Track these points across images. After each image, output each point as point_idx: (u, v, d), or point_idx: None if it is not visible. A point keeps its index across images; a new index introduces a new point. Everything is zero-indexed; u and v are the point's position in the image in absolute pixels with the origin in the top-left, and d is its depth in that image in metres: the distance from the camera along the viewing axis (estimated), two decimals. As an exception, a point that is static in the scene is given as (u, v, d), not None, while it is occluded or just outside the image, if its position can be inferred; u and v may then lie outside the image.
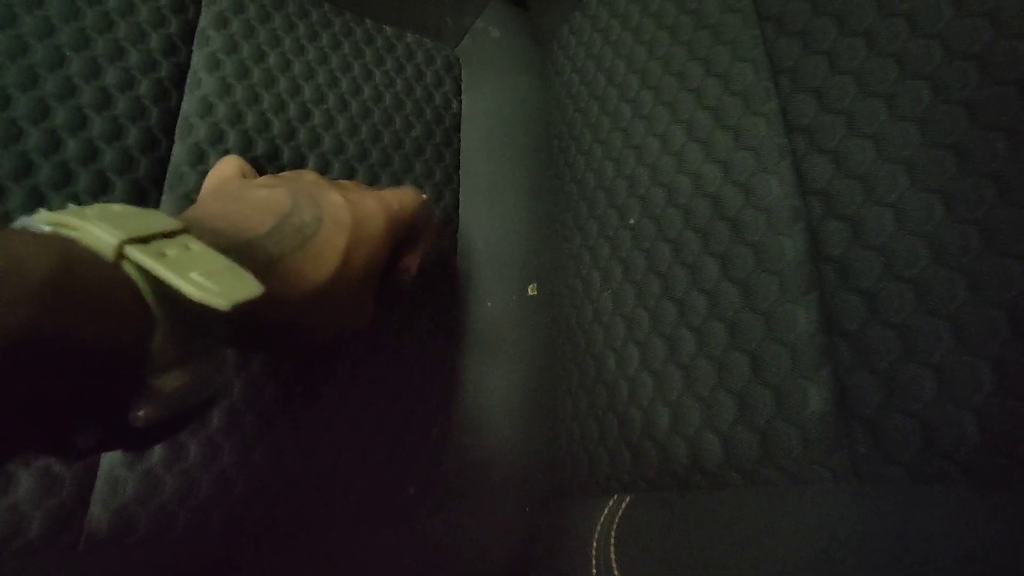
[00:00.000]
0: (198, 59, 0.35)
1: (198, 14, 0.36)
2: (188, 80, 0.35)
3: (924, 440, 0.20)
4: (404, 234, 0.30)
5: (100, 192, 0.30)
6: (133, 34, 0.33)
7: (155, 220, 0.19)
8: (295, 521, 0.31)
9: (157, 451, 0.28)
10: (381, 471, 0.33)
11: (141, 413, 0.17)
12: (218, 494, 0.29)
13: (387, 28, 0.44)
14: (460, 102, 0.45)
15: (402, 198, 0.30)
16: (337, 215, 0.26)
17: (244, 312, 0.18)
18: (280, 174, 0.30)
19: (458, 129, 0.44)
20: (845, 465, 0.22)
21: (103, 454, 0.27)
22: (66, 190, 0.29)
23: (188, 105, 0.34)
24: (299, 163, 0.36)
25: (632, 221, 0.32)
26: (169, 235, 0.19)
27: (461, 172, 0.43)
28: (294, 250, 0.24)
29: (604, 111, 0.36)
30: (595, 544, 0.26)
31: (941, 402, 0.20)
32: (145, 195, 0.31)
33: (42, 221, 0.17)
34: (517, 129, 0.45)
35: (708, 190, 0.29)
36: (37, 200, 0.28)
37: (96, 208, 0.18)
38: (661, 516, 0.25)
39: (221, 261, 0.19)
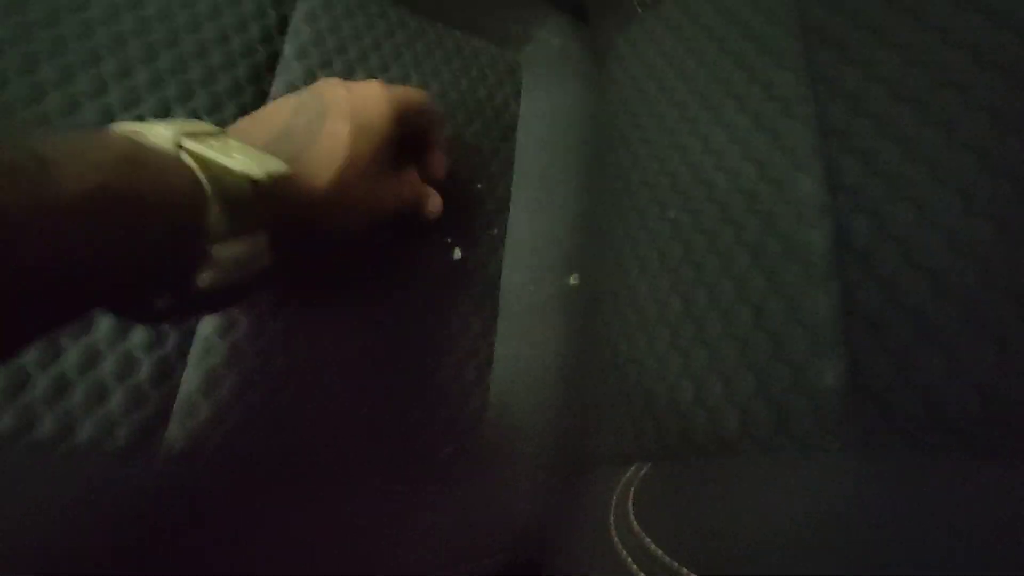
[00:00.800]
0: (289, 48, 0.39)
1: (292, 9, 0.40)
2: (279, 66, 0.39)
3: (929, 413, 0.22)
4: (413, 123, 0.33)
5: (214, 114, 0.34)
6: (236, 22, 0.37)
7: (199, 126, 0.24)
8: (339, 467, 0.34)
9: (227, 384, 0.32)
10: (420, 431, 0.36)
11: (205, 275, 0.22)
12: (272, 432, 0.33)
13: (456, 32, 0.48)
14: (518, 104, 0.48)
15: (405, 89, 0.33)
16: (339, 106, 0.29)
17: (278, 197, 0.24)
18: None
19: (514, 128, 0.48)
20: (854, 436, 0.24)
21: (182, 383, 0.31)
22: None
23: (277, 88, 0.38)
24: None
25: (671, 214, 0.34)
26: (212, 135, 0.23)
27: (514, 168, 0.46)
28: (305, 146, 0.28)
29: (652, 114, 0.39)
30: (615, 500, 0.28)
31: (947, 378, 0.22)
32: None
33: (114, 128, 0.22)
34: (569, 131, 0.48)
35: (744, 186, 0.31)
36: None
37: (155, 120, 0.23)
38: (677, 477, 0.27)
39: (255, 150, 0.24)
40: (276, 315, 0.34)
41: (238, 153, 0.23)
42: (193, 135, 0.22)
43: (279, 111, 0.30)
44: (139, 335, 0.30)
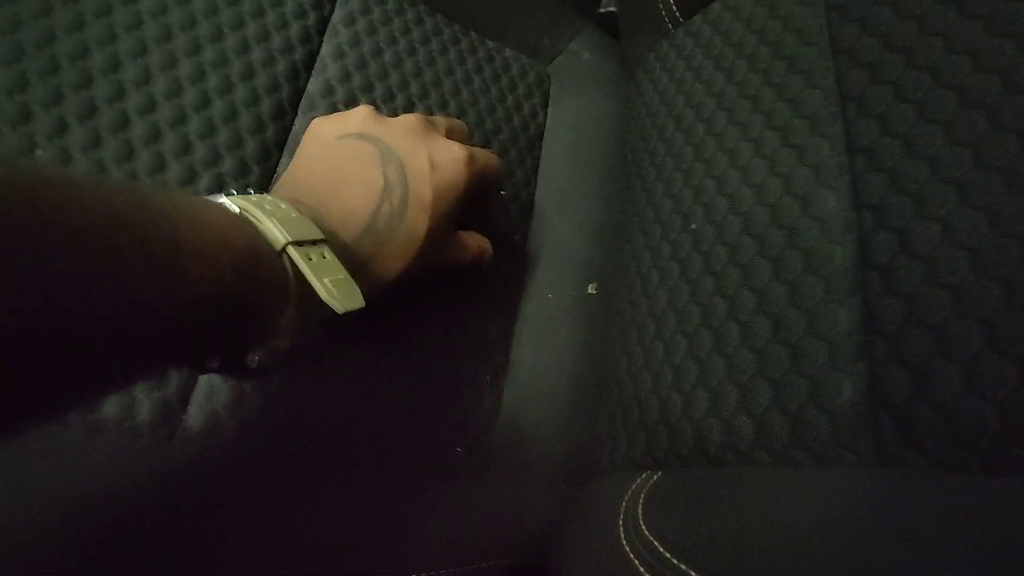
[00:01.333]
0: (327, 48, 0.40)
1: (332, 11, 0.42)
2: (316, 65, 0.40)
3: (947, 429, 0.22)
4: (484, 185, 0.35)
5: (235, 147, 0.35)
6: (278, 21, 0.39)
7: (307, 228, 0.25)
8: (353, 458, 0.34)
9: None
10: (434, 429, 0.36)
11: (256, 359, 0.26)
12: (285, 423, 0.33)
13: (489, 42, 0.49)
14: (546, 114, 0.49)
15: (488, 160, 0.34)
16: (422, 191, 0.30)
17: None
18: (378, 116, 0.33)
19: (541, 138, 0.48)
20: (870, 450, 0.23)
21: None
22: (209, 140, 0.34)
23: (313, 86, 0.39)
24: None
25: (694, 226, 0.35)
26: (313, 243, 0.25)
27: (539, 176, 0.47)
28: (385, 243, 0.29)
29: (679, 128, 0.39)
30: (624, 506, 0.28)
31: (967, 395, 0.22)
32: (268, 155, 0.36)
33: (233, 203, 0.24)
34: (595, 143, 0.49)
35: (768, 200, 0.31)
36: (186, 145, 0.34)
37: (269, 202, 0.25)
38: (689, 485, 0.27)
39: (343, 273, 0.25)
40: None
41: (330, 277, 0.25)
42: (300, 242, 0.24)
43: (367, 184, 0.30)
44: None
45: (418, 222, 0.29)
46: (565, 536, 0.33)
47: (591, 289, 0.43)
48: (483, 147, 0.44)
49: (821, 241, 0.28)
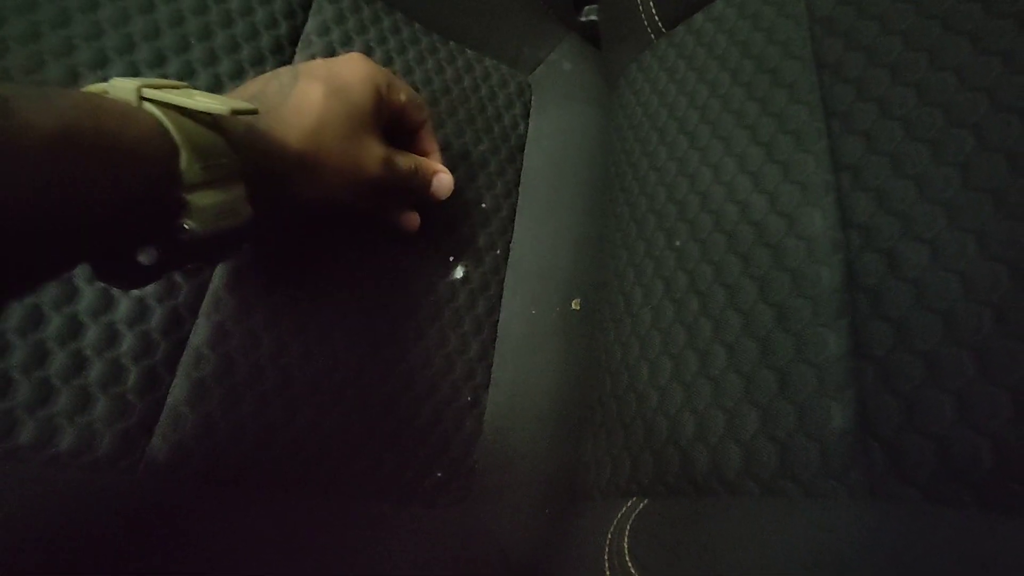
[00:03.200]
0: (300, 59, 0.39)
1: (304, 21, 0.40)
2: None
3: (940, 462, 0.21)
4: (397, 104, 0.33)
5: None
6: (248, 32, 0.37)
7: (164, 81, 0.23)
8: (328, 485, 0.33)
9: (216, 397, 0.31)
10: (412, 452, 0.35)
11: (187, 225, 0.21)
12: (259, 448, 0.32)
13: (468, 51, 0.48)
14: (527, 125, 0.48)
15: (402, 84, 0.33)
16: (312, 69, 0.29)
17: (250, 147, 0.24)
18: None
19: (522, 149, 0.47)
20: (861, 482, 0.23)
21: (169, 394, 0.30)
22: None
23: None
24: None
25: (678, 243, 0.34)
26: (175, 88, 0.23)
27: (520, 188, 0.46)
28: (277, 105, 0.27)
29: (662, 141, 0.38)
30: (609, 537, 0.27)
31: (959, 426, 0.21)
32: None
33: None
34: (577, 154, 0.48)
35: (753, 218, 0.31)
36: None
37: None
38: (676, 515, 0.26)
39: (219, 97, 0.23)
40: (270, 328, 0.33)
41: (201, 96, 0.23)
42: (155, 87, 0.22)
43: (253, 81, 0.29)
44: (129, 342, 0.29)
45: (309, 90, 0.28)
46: (549, 566, 0.32)
47: (575, 305, 0.42)
48: (462, 158, 0.43)
49: (808, 261, 0.28)
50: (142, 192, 0.20)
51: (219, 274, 0.33)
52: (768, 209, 0.30)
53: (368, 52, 0.42)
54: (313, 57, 0.39)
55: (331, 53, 0.40)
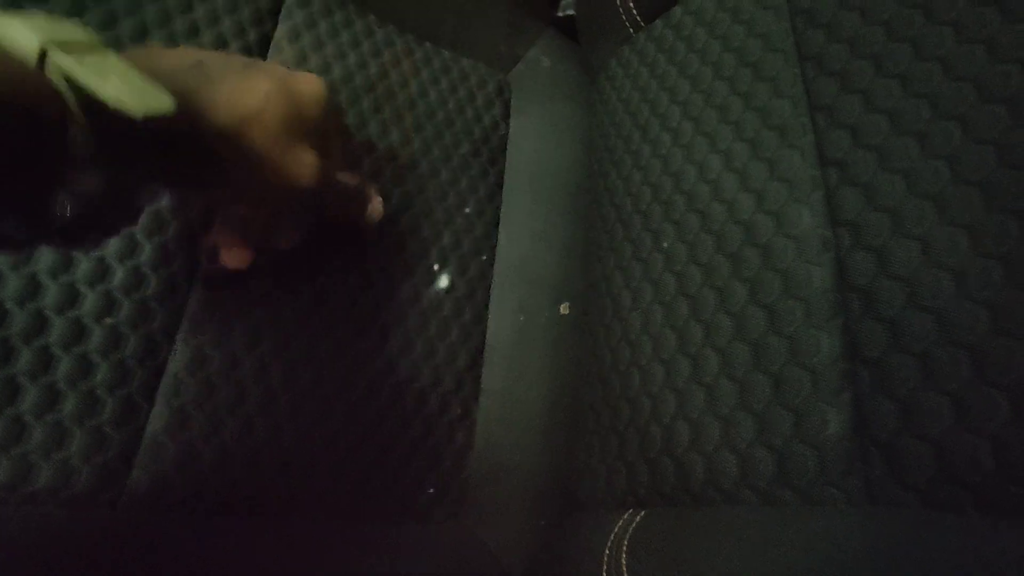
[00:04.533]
0: (270, 68, 0.38)
1: (275, 27, 0.39)
2: (259, 86, 0.37)
3: (938, 466, 0.21)
4: (336, 128, 0.31)
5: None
6: (216, 41, 0.36)
7: (78, 31, 0.20)
8: (318, 507, 0.32)
9: (197, 424, 0.30)
10: (403, 468, 0.35)
11: (63, 202, 0.19)
12: (244, 473, 0.31)
13: (444, 52, 0.46)
14: (508, 124, 0.47)
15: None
16: (269, 69, 0.27)
17: (160, 127, 0.20)
18: None
19: (504, 150, 0.46)
20: (859, 488, 0.22)
21: (148, 423, 0.29)
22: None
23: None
24: (354, 166, 0.38)
25: (665, 245, 0.33)
26: (91, 49, 0.20)
27: (504, 190, 0.45)
28: (215, 81, 0.25)
29: (645, 139, 0.37)
30: (607, 552, 0.27)
31: (957, 429, 0.21)
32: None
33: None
34: (560, 153, 0.47)
35: (741, 217, 0.30)
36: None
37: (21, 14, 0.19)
38: (674, 528, 0.26)
39: (137, 75, 0.20)
40: (251, 349, 0.32)
41: (118, 78, 0.19)
42: (65, 45, 0.19)
43: (201, 51, 0.26)
44: (103, 372, 0.29)
45: (257, 81, 0.26)
46: (546, 578, 0.31)
47: (563, 309, 0.41)
48: (444, 163, 0.42)
49: (798, 261, 0.27)
50: (11, 155, 0.17)
51: (196, 296, 0.32)
52: (755, 208, 0.29)
53: (341, 56, 0.41)
54: (284, 64, 0.38)
55: (303, 59, 0.39)
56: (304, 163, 0.28)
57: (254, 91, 0.26)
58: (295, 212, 0.32)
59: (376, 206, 0.35)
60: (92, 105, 0.19)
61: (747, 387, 0.26)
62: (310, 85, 0.29)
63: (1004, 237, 0.22)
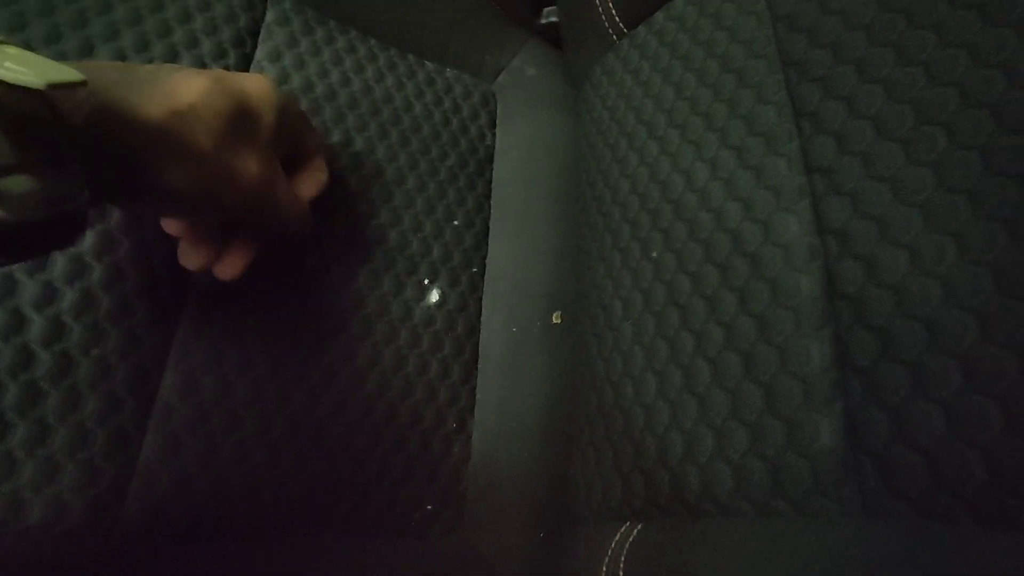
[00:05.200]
0: (253, 88, 0.38)
1: (255, 48, 0.39)
2: (242, 107, 0.37)
3: (931, 476, 0.21)
4: (293, 131, 0.30)
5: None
6: (195, 63, 0.36)
7: None
8: (316, 528, 0.32)
9: (190, 450, 0.30)
10: (401, 486, 0.34)
11: None
12: (240, 497, 0.31)
13: (428, 64, 0.46)
14: (494, 135, 0.47)
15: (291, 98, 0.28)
16: (206, 70, 0.26)
17: (92, 118, 0.19)
18: None
19: (491, 160, 0.46)
20: (854, 499, 0.22)
21: (141, 452, 0.29)
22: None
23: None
24: (340, 185, 0.38)
25: (654, 254, 0.33)
26: None
27: (492, 201, 0.45)
28: (145, 82, 0.23)
29: (632, 147, 0.37)
30: (604, 568, 0.27)
31: (949, 439, 0.21)
32: (196, 211, 0.34)
33: None
34: (548, 162, 0.47)
35: (728, 226, 0.30)
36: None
37: None
38: (671, 543, 0.26)
39: (40, 58, 0.19)
40: (243, 373, 0.32)
41: (13, 62, 0.18)
42: None
43: (132, 64, 0.25)
44: (92, 404, 0.28)
45: (191, 79, 0.24)
46: (546, 593, 0.31)
47: (556, 319, 0.41)
48: (431, 176, 0.42)
49: (786, 269, 0.27)
50: None
51: (185, 322, 0.31)
52: (743, 216, 0.29)
53: (324, 74, 0.40)
54: (266, 85, 0.38)
55: (285, 79, 0.39)
56: (246, 169, 0.27)
57: (188, 87, 0.24)
58: (243, 223, 0.30)
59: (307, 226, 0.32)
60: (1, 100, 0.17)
61: (739, 397, 0.26)
62: (256, 84, 0.27)
63: (992, 244, 0.22)
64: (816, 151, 0.28)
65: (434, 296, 0.39)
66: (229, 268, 0.30)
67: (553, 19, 0.50)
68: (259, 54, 0.38)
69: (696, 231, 0.31)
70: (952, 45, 0.25)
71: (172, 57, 0.35)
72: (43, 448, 0.27)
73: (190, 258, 0.30)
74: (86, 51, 0.32)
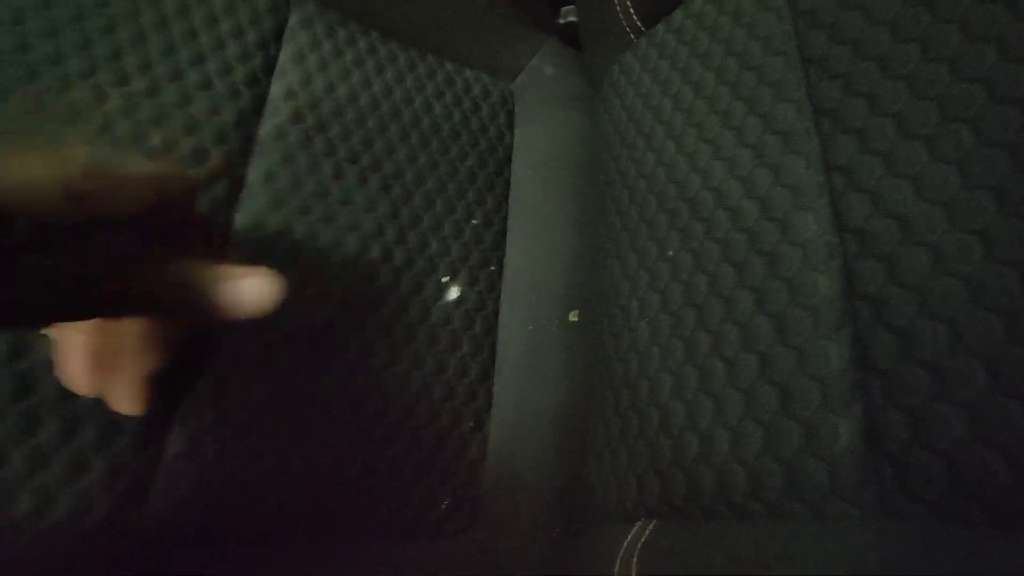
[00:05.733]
0: (276, 90, 0.38)
1: (279, 51, 0.39)
2: (266, 108, 0.38)
3: (951, 479, 0.20)
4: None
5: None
6: (221, 67, 0.37)
7: None
8: (331, 527, 0.32)
9: (212, 445, 0.30)
10: (416, 485, 0.35)
11: None
12: (260, 492, 0.31)
13: (447, 64, 0.47)
14: (513, 135, 0.47)
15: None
16: None
17: None
18: None
19: (510, 160, 0.46)
20: (872, 502, 0.22)
21: (166, 448, 0.30)
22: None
23: (265, 130, 0.37)
24: (361, 184, 0.39)
25: (671, 253, 0.33)
26: None
27: (510, 201, 0.45)
28: None
29: (650, 147, 0.37)
30: (618, 565, 0.26)
31: (969, 441, 0.20)
32: (219, 208, 0.34)
33: None
34: (566, 162, 0.47)
35: (746, 225, 0.30)
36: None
37: None
38: (685, 542, 0.26)
39: None
40: (265, 369, 0.33)
41: None
42: None
43: None
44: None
45: None
46: (561, 592, 0.31)
47: (573, 317, 0.41)
48: (450, 176, 0.43)
49: (804, 269, 0.27)
50: None
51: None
52: (760, 215, 0.29)
53: (346, 76, 0.41)
54: (289, 87, 0.39)
55: (307, 80, 0.39)
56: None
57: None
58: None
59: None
60: None
61: (755, 398, 0.26)
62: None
63: (1020, 242, 0.21)
64: (836, 149, 0.28)
65: (453, 293, 0.40)
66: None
67: (571, 18, 0.50)
68: (283, 56, 0.39)
69: (713, 230, 0.31)
70: (979, 39, 0.25)
71: (198, 60, 0.36)
72: (71, 443, 0.28)
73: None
74: (113, 56, 0.33)
